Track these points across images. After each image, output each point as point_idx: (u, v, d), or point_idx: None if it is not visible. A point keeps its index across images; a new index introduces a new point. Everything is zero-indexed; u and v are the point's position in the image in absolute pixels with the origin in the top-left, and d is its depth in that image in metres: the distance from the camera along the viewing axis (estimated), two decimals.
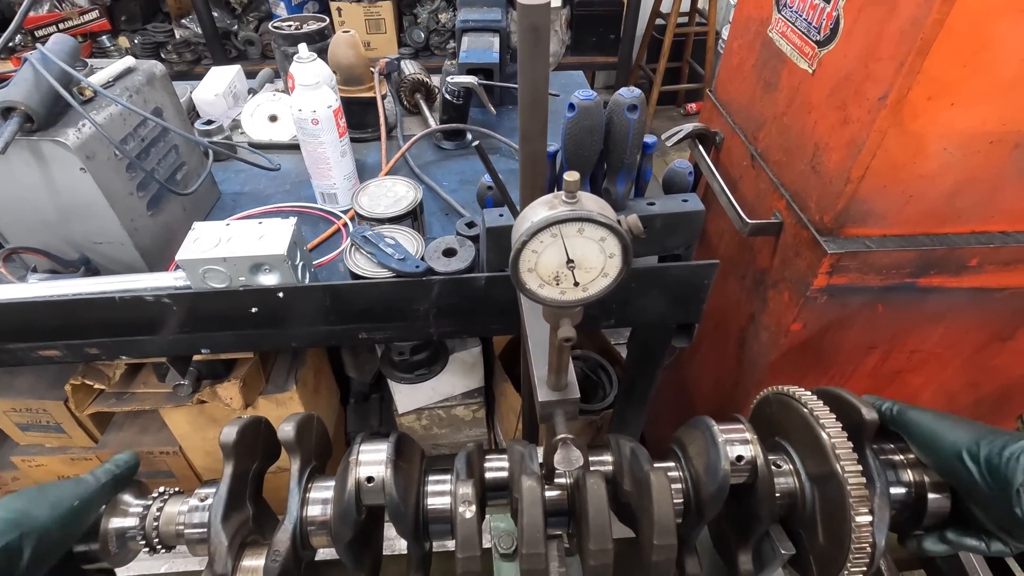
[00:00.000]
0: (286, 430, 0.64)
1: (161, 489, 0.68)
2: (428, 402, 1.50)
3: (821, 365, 1.26)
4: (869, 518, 0.60)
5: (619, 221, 0.38)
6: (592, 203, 0.38)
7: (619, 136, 0.75)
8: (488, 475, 0.68)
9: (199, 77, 1.62)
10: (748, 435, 0.66)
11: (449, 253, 0.90)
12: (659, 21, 4.05)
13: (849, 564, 0.62)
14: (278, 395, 1.21)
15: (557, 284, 0.41)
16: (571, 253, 0.39)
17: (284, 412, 1.23)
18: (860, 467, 0.60)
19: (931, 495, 0.66)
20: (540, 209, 0.38)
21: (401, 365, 1.29)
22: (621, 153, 0.77)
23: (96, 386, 1.13)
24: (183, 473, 1.36)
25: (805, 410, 0.67)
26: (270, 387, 1.22)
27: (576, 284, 0.41)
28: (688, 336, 1.04)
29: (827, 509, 0.64)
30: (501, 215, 0.84)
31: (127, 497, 0.66)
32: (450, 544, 0.62)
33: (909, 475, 0.69)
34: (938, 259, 1.04)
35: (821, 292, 1.07)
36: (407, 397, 1.47)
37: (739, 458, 0.64)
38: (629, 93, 0.73)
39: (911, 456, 0.70)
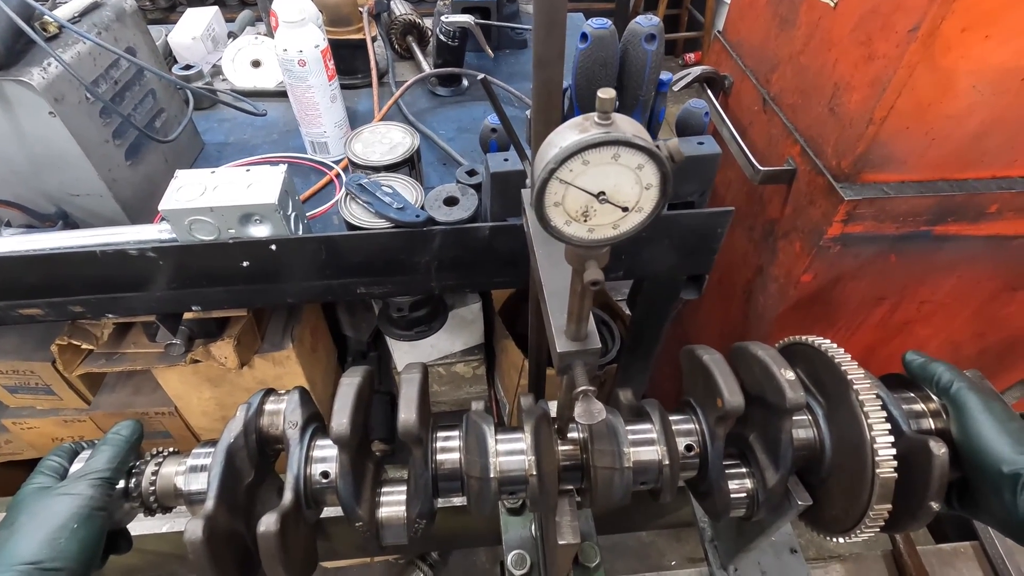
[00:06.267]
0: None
1: (155, 450, 0.65)
2: (427, 359, 1.47)
3: (829, 317, 1.24)
4: (893, 475, 0.58)
5: (658, 146, 0.34)
6: (628, 125, 0.34)
7: (635, 69, 0.69)
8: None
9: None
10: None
11: (451, 202, 0.85)
12: None
13: (867, 520, 0.61)
14: (275, 354, 1.17)
15: (585, 220, 0.37)
16: (603, 183, 0.35)
17: (281, 371, 1.20)
18: (888, 425, 0.58)
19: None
20: (569, 133, 0.34)
21: (400, 322, 1.26)
22: (636, 88, 0.71)
23: (84, 346, 1.09)
24: (180, 433, 1.34)
25: (829, 360, 0.64)
26: (266, 346, 1.18)
27: (607, 220, 0.36)
28: (698, 288, 1.00)
29: (848, 463, 0.62)
30: (506, 159, 0.79)
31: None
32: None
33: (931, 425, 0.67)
34: (957, 205, 1.00)
35: (834, 241, 1.03)
36: (406, 355, 1.44)
37: None
38: (647, 21, 0.67)
39: (932, 406, 0.68)
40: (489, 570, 2.00)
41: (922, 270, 1.13)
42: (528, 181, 0.66)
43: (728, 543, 0.86)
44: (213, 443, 0.64)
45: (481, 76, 0.61)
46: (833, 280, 1.13)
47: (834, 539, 0.66)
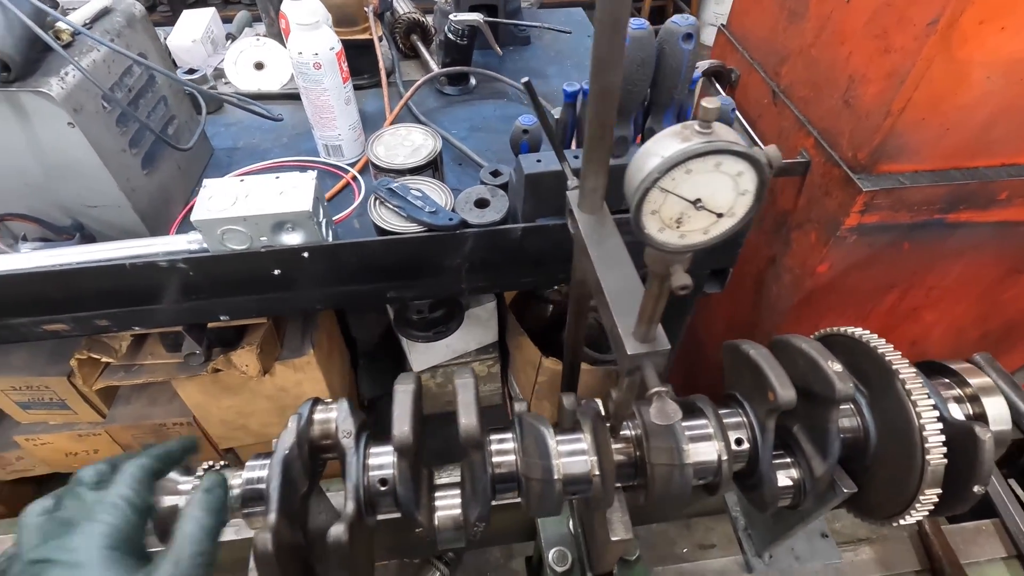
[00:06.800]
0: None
1: (207, 464, 0.65)
2: (443, 359, 1.47)
3: (840, 306, 1.26)
4: (943, 461, 0.59)
5: (756, 153, 0.34)
6: (728, 133, 0.34)
7: (671, 69, 0.70)
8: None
9: (158, 26, 1.48)
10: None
11: (481, 204, 0.85)
12: None
13: (917, 505, 0.62)
14: (295, 360, 1.16)
15: (678, 227, 0.37)
16: (701, 191, 0.35)
17: (302, 377, 1.19)
18: (936, 412, 0.60)
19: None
20: (670, 142, 0.34)
21: (419, 324, 1.25)
22: (671, 88, 0.72)
23: (103, 359, 1.07)
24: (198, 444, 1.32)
25: (872, 350, 0.66)
26: (286, 352, 1.17)
27: (700, 225, 0.37)
28: (721, 282, 1.02)
29: (894, 450, 0.64)
30: (539, 160, 0.79)
31: (173, 475, 0.63)
32: None
33: (969, 410, 0.69)
34: (969, 194, 1.02)
35: (851, 231, 1.05)
36: (422, 356, 1.44)
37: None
38: (684, 20, 0.67)
39: (968, 391, 0.70)
40: (503, 565, 2.01)
41: (932, 257, 1.16)
42: (569, 183, 0.66)
43: (763, 531, 0.88)
44: (266, 455, 0.64)
45: (525, 79, 0.61)
46: (847, 269, 1.15)
47: (880, 524, 0.67)
